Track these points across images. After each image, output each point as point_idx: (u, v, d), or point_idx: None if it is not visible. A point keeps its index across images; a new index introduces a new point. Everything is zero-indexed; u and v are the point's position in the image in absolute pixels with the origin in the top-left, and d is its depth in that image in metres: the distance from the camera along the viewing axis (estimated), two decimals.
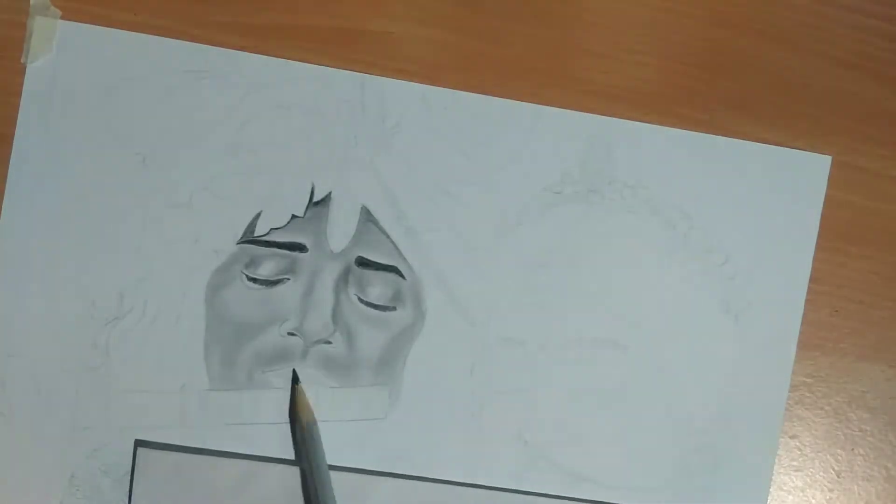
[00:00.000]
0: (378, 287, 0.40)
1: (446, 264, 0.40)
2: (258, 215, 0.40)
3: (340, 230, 0.40)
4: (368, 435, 0.40)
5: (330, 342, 0.40)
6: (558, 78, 0.41)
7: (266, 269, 0.40)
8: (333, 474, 0.38)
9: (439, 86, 0.41)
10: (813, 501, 0.43)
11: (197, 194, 0.39)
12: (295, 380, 0.39)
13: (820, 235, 0.42)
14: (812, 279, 0.42)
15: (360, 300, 0.40)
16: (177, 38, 0.40)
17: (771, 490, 0.42)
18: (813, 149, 0.43)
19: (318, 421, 0.38)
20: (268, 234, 0.40)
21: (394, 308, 0.40)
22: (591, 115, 0.41)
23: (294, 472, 0.38)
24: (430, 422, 0.40)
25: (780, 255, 0.42)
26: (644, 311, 0.41)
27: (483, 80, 0.41)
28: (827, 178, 0.43)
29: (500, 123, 0.41)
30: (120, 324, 0.39)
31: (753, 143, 0.42)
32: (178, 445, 0.39)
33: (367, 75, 0.40)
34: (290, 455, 0.39)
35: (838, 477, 0.43)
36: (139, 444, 0.38)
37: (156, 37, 0.39)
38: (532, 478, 0.40)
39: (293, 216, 0.40)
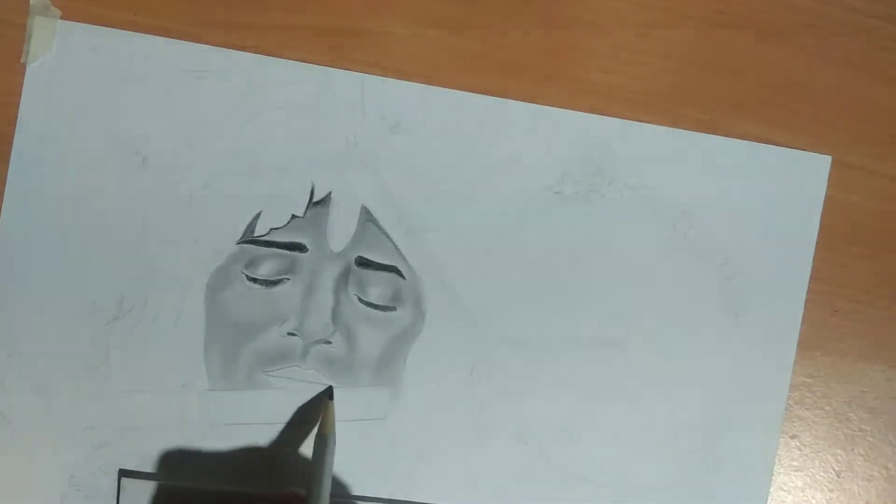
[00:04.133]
0: (378, 287, 0.40)
1: (446, 264, 0.40)
2: (258, 215, 0.40)
3: (340, 230, 0.40)
4: (368, 435, 0.40)
5: (330, 342, 0.40)
6: (558, 78, 0.42)
7: (266, 269, 0.40)
8: None
9: (439, 86, 0.41)
10: (813, 501, 0.43)
11: (197, 194, 0.39)
12: (329, 395, 0.39)
13: (820, 235, 0.42)
14: (812, 279, 0.42)
15: (360, 300, 0.40)
16: (177, 38, 0.40)
17: (771, 490, 0.42)
18: (813, 149, 0.43)
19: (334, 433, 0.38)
20: (268, 234, 0.40)
21: (394, 308, 0.40)
22: (591, 115, 0.41)
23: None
24: (430, 422, 0.40)
25: (780, 255, 0.42)
26: (644, 311, 0.41)
27: (483, 80, 0.41)
28: (827, 178, 0.43)
29: (500, 123, 0.41)
30: (120, 324, 0.39)
31: (753, 143, 0.42)
32: (161, 475, 0.39)
33: (367, 75, 0.40)
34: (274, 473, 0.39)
35: (838, 477, 0.43)
36: (123, 473, 0.38)
37: (156, 37, 0.39)
38: (532, 478, 0.40)
39: (293, 216, 0.40)
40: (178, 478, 0.39)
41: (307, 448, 0.39)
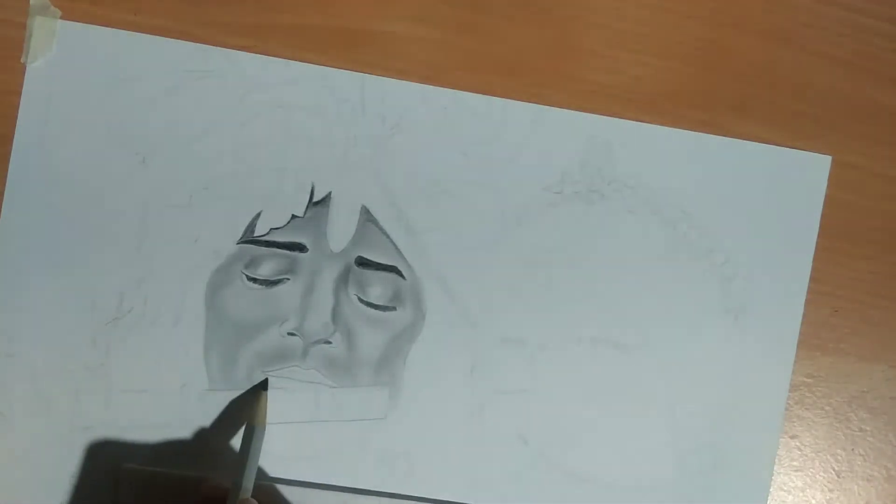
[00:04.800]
0: (378, 287, 0.40)
1: (446, 264, 0.40)
2: (258, 215, 0.40)
3: (340, 230, 0.40)
4: (368, 435, 0.40)
5: (330, 342, 0.40)
6: (558, 78, 0.42)
7: (266, 269, 0.40)
8: (314, 492, 0.39)
9: (439, 86, 0.41)
10: (813, 501, 0.43)
11: (197, 194, 0.39)
12: (264, 387, 0.39)
13: (820, 235, 0.42)
14: (812, 279, 0.42)
15: (360, 300, 0.40)
16: (177, 38, 0.40)
17: (771, 490, 0.42)
18: (813, 149, 0.43)
19: (266, 427, 0.38)
20: (268, 234, 0.40)
21: (394, 308, 0.40)
22: (591, 115, 0.41)
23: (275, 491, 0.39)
24: (430, 422, 0.40)
25: (780, 255, 0.42)
26: (644, 311, 0.41)
27: (483, 80, 0.41)
28: (827, 178, 0.43)
29: (500, 123, 0.41)
30: (120, 324, 0.39)
31: (753, 143, 0.42)
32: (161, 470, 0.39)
33: (367, 75, 0.40)
34: (278, 466, 0.39)
35: (838, 477, 0.43)
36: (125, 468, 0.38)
37: (156, 37, 0.39)
38: (532, 478, 0.40)
39: (293, 216, 0.40)
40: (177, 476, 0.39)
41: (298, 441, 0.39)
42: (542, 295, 0.41)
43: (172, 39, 0.39)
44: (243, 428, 0.38)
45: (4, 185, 0.39)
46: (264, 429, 0.37)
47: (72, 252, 0.39)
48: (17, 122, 0.39)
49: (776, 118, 0.43)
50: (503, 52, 0.41)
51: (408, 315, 0.40)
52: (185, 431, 0.39)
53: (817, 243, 0.42)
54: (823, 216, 0.42)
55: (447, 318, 0.40)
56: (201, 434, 0.39)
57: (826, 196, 0.43)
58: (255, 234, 0.40)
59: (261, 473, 0.39)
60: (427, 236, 0.40)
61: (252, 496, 0.36)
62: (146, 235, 0.39)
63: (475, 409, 0.40)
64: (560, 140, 0.41)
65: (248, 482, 0.36)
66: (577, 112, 0.41)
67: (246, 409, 0.39)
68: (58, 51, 0.39)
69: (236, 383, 0.39)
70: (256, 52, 0.40)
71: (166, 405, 0.39)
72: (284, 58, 0.40)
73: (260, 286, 0.39)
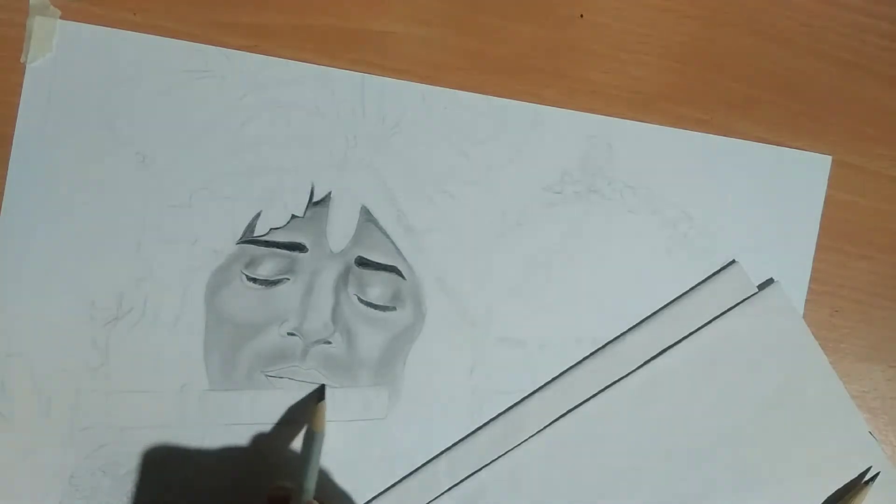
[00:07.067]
0: (378, 287, 0.40)
1: (446, 264, 0.40)
2: (258, 215, 0.40)
3: (340, 230, 0.40)
4: (368, 435, 0.40)
5: (330, 342, 0.40)
6: (558, 78, 0.42)
7: (266, 269, 0.40)
8: None
9: (439, 86, 0.41)
10: None
11: (197, 194, 0.39)
12: (321, 396, 0.39)
13: (820, 235, 0.42)
14: (812, 279, 0.42)
15: (360, 300, 0.40)
16: (177, 38, 0.40)
17: None
18: (813, 149, 0.43)
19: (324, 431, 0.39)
20: (267, 233, 0.40)
21: (394, 308, 0.40)
22: (591, 115, 0.41)
23: None
24: (430, 422, 0.40)
25: (780, 255, 0.42)
26: (644, 310, 0.41)
27: (483, 80, 0.41)
28: (827, 178, 0.43)
29: (500, 123, 0.41)
30: (120, 324, 0.39)
31: (753, 143, 0.42)
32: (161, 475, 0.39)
33: (367, 75, 0.40)
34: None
35: None
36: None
37: (156, 37, 0.39)
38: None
39: (293, 216, 0.40)
40: (177, 477, 0.39)
41: (299, 444, 0.39)
42: (541, 295, 0.41)
43: (172, 39, 0.39)
44: (302, 432, 0.39)
45: (4, 185, 0.39)
46: (324, 434, 0.38)
47: (72, 252, 0.39)
48: (17, 122, 0.39)
49: (776, 118, 0.43)
50: (503, 52, 0.41)
51: (408, 315, 0.40)
52: (185, 431, 0.39)
53: (817, 243, 0.42)
54: (823, 216, 0.43)
55: (447, 318, 0.40)
56: (202, 434, 0.39)
57: (826, 196, 0.43)
58: (255, 234, 0.40)
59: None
60: (427, 236, 0.40)
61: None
62: (146, 235, 0.39)
63: (475, 409, 0.40)
64: (560, 140, 0.41)
65: (311, 484, 0.37)
66: (577, 112, 0.41)
67: (302, 414, 0.39)
68: (57, 51, 0.39)
69: (236, 383, 0.39)
70: (256, 52, 0.40)
71: (166, 405, 0.39)
72: (284, 58, 0.40)
73: (260, 286, 0.39)
